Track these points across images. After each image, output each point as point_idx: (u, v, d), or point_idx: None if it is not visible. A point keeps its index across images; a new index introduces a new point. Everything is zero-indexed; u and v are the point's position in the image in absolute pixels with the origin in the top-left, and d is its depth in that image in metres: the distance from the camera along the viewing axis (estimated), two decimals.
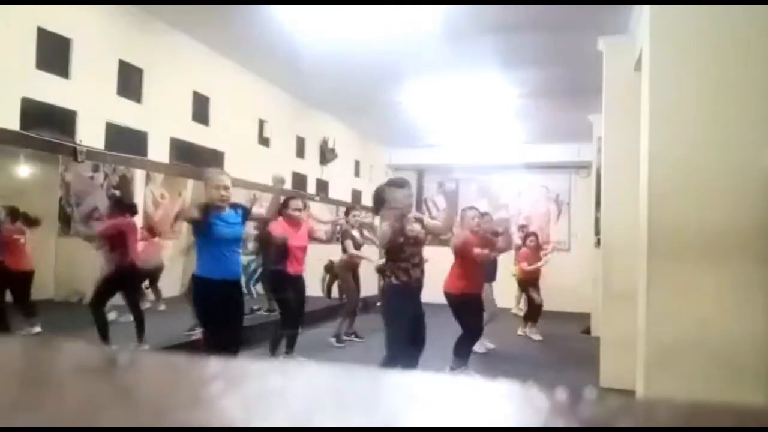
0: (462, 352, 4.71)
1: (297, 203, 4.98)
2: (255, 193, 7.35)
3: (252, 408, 0.35)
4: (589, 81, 5.51)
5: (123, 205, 4.76)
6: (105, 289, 4.50)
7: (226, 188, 3.62)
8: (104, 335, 4.31)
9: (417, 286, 3.60)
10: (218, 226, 3.57)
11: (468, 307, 4.68)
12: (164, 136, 5.20)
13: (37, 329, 4.37)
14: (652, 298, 3.19)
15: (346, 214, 6.31)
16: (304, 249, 5.01)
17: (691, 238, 3.10)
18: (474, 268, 4.74)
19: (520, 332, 6.99)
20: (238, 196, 6.72)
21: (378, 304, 4.03)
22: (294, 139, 7.67)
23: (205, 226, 3.54)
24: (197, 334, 5.13)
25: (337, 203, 8.42)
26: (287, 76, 6.52)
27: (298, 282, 4.95)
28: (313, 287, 6.13)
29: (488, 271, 5.51)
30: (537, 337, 6.79)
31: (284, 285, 4.86)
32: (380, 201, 3.63)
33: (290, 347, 4.93)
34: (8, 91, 3.79)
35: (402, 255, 3.53)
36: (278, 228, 4.80)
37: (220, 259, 3.57)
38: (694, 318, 3.05)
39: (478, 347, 5.55)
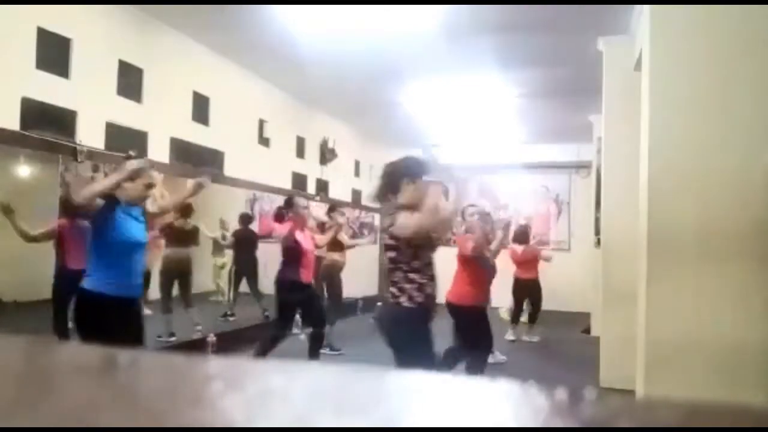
0: (478, 372, 3.92)
1: (303, 202, 4.67)
2: (255, 192, 7.35)
3: (252, 408, 0.35)
4: (589, 81, 5.51)
5: None
6: None
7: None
8: None
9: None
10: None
11: (479, 320, 3.97)
12: (164, 136, 5.20)
13: None
14: (652, 297, 3.19)
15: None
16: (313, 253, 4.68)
17: (690, 238, 3.09)
18: (484, 274, 4.12)
19: (512, 337, 6.59)
20: (239, 196, 6.74)
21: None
22: (294, 139, 7.67)
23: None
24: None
25: (337, 203, 8.42)
26: (287, 76, 6.52)
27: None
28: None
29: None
30: (536, 338, 6.77)
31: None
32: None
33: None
34: (8, 91, 3.79)
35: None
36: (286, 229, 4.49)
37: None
38: (693, 318, 3.05)
39: (501, 357, 5.41)
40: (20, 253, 4.56)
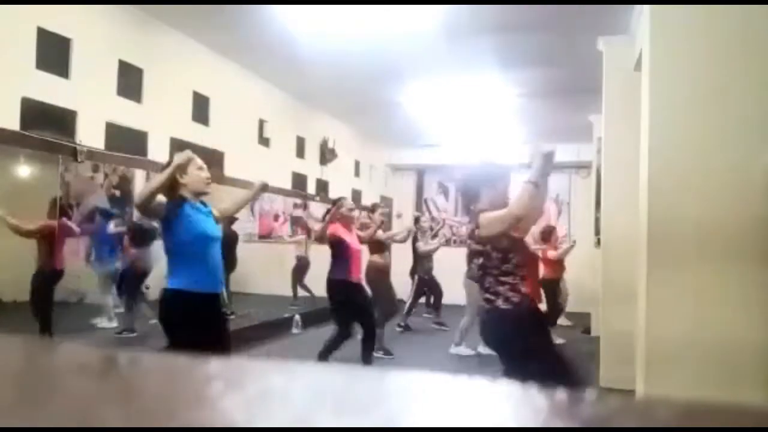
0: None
1: (350, 203, 4.77)
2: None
3: (252, 408, 0.35)
4: (589, 81, 5.51)
5: None
6: None
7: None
8: None
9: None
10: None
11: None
12: (164, 136, 5.19)
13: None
14: (652, 297, 3.19)
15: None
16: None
17: (690, 238, 3.09)
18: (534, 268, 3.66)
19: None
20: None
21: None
22: (294, 139, 7.67)
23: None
24: None
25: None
26: (287, 76, 6.52)
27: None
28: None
29: None
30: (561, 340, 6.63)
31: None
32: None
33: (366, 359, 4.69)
34: (8, 91, 3.79)
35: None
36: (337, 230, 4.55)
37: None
38: (693, 318, 3.05)
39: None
40: (20, 254, 4.57)
